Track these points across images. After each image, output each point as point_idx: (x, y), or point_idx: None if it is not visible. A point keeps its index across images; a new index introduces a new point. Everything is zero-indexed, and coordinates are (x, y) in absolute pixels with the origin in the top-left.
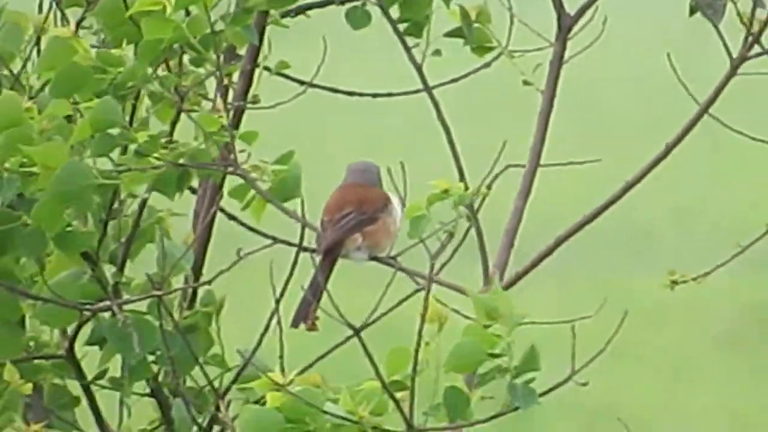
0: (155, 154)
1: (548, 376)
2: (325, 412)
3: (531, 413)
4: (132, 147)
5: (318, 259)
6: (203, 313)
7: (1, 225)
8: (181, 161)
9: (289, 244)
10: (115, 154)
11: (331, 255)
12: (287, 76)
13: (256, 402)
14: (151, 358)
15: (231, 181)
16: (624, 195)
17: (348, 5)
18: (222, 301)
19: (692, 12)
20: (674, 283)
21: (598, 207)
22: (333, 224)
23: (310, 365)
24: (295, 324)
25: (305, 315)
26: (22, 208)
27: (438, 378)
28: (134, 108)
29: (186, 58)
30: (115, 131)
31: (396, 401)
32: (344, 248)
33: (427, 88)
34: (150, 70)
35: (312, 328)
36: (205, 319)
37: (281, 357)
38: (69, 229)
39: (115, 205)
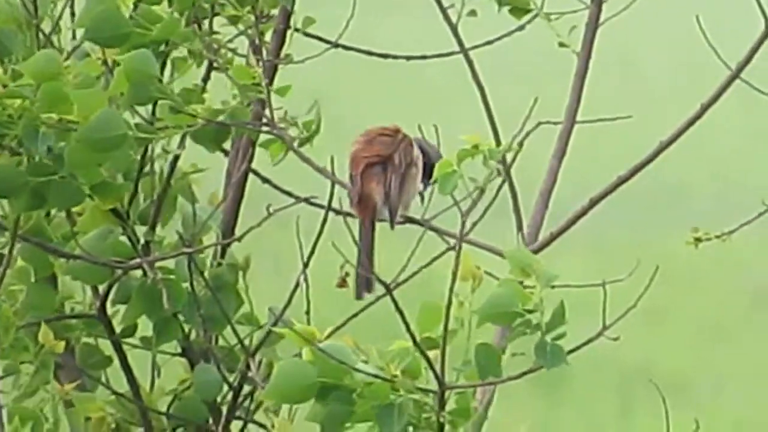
0: (192, 110)
1: (582, 337)
2: (357, 370)
3: (564, 371)
4: (163, 103)
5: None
6: (230, 269)
7: (38, 176)
8: (219, 119)
9: (317, 205)
10: (146, 112)
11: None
12: (318, 37)
13: None
14: (182, 317)
15: (263, 138)
16: (658, 155)
17: None
18: (247, 259)
19: None
20: (698, 240)
21: (632, 167)
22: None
23: (343, 324)
24: (359, 296)
25: (367, 282)
26: (55, 164)
27: (470, 337)
28: (163, 65)
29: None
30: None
31: (428, 359)
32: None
33: (463, 50)
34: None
35: (342, 284)
36: (231, 274)
37: (307, 312)
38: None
39: (146, 166)
